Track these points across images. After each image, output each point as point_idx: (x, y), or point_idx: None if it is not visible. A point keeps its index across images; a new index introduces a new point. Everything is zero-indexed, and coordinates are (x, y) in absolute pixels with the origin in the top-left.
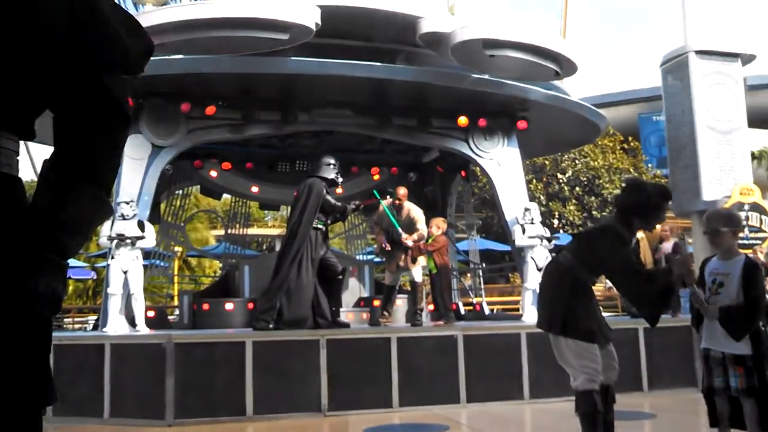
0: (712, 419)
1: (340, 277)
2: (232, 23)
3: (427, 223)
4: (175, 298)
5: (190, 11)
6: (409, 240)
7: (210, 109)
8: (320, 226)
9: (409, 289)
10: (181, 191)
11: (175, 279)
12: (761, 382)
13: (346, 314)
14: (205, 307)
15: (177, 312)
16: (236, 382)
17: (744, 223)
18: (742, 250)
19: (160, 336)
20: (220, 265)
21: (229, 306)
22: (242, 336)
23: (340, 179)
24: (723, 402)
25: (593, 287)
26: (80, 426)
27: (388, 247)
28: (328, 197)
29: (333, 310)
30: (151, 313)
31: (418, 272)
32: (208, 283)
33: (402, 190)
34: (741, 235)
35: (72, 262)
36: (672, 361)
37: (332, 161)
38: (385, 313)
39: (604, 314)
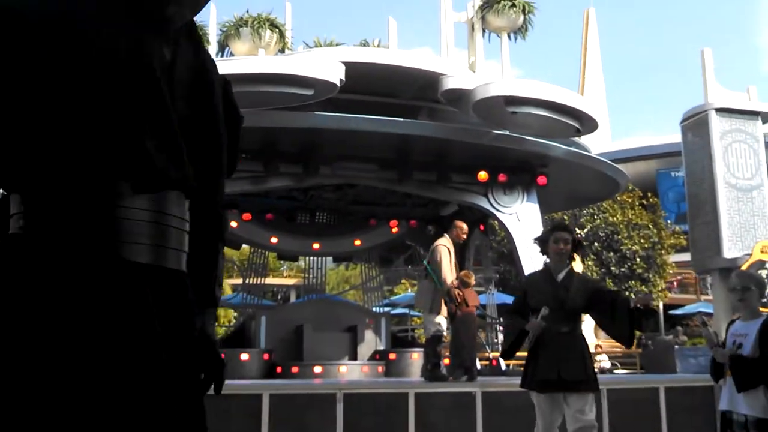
0: None
1: None
2: (259, 79)
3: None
4: None
5: (221, 67)
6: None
7: None
8: None
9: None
10: None
11: None
12: None
13: (361, 367)
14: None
15: None
16: None
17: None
18: (762, 309)
19: None
20: (234, 314)
21: (244, 356)
22: (259, 388)
23: None
24: None
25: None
26: None
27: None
28: None
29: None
30: None
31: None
32: (221, 333)
33: (465, 226)
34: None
35: None
36: (694, 421)
37: None
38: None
39: (620, 371)
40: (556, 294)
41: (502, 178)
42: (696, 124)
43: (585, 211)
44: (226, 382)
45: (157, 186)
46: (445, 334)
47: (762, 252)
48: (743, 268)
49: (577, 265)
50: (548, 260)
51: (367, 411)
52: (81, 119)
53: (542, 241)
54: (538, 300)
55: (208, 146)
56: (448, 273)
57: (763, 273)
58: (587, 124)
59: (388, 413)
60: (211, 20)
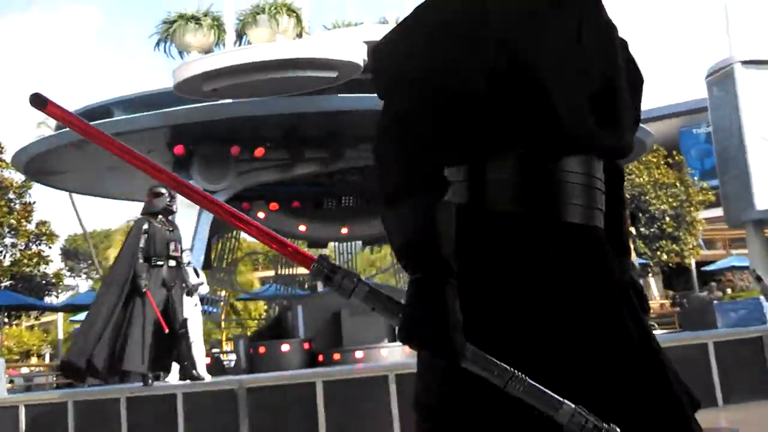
0: None
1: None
2: (282, 65)
3: None
4: (223, 344)
5: (239, 56)
6: None
7: (259, 151)
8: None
9: None
10: (228, 234)
11: (222, 324)
12: None
13: (402, 348)
14: (262, 350)
15: (230, 357)
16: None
17: None
18: None
19: (231, 382)
20: (265, 308)
21: (285, 347)
22: (311, 377)
23: (175, 207)
24: None
25: None
26: None
27: None
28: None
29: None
30: (207, 360)
31: None
32: (254, 326)
33: None
34: None
35: None
36: (746, 373)
37: (160, 190)
38: None
39: (658, 331)
40: None
41: None
42: (722, 77)
43: None
44: (274, 374)
45: (591, 150)
46: None
47: None
48: None
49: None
50: None
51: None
52: (536, 94)
53: None
54: None
55: (616, 105)
56: None
57: None
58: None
59: None
60: (226, 9)
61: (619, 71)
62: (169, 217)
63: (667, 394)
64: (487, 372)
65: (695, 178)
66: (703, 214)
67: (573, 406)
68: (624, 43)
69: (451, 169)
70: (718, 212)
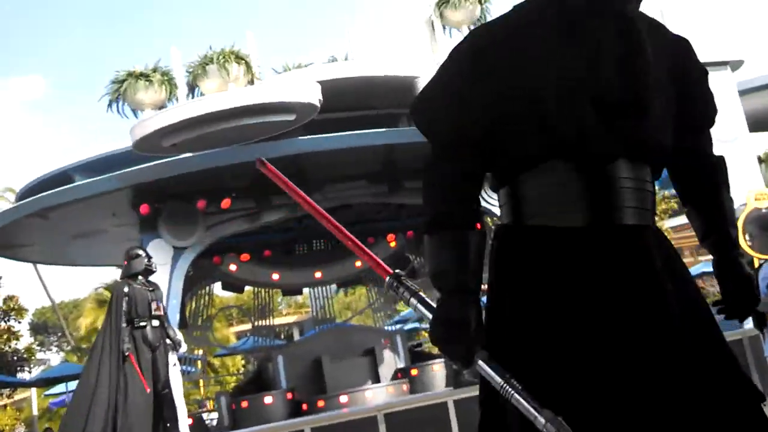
0: None
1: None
2: (237, 113)
3: None
4: (209, 403)
5: (193, 108)
6: None
7: (225, 203)
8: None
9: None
10: (201, 291)
11: (201, 383)
12: None
13: (386, 389)
14: (244, 404)
15: (213, 415)
16: None
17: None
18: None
19: None
20: (243, 362)
21: (268, 399)
22: (299, 425)
23: (155, 267)
24: None
25: None
26: None
27: None
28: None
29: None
30: (189, 421)
31: None
32: (233, 382)
33: None
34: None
35: None
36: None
37: (137, 252)
38: None
39: None
40: None
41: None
42: None
43: None
44: (256, 428)
45: (644, 157)
46: None
47: (756, 200)
48: (741, 218)
49: None
50: None
51: (410, 426)
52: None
53: None
54: None
55: (641, 114)
56: None
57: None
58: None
59: (432, 423)
60: (174, 63)
61: (644, 85)
62: (149, 278)
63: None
64: (489, 378)
65: (657, 187)
66: (669, 222)
67: (552, 415)
68: (675, 43)
69: (498, 193)
70: (683, 220)
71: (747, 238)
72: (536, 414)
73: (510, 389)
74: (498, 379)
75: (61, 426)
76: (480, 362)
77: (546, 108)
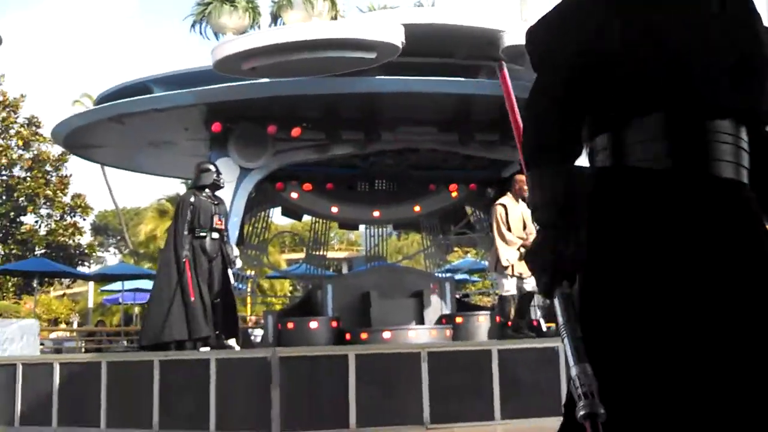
0: None
1: None
2: (320, 45)
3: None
4: (248, 320)
5: (277, 35)
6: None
7: (296, 131)
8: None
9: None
10: (261, 213)
11: (248, 301)
12: None
13: (429, 332)
14: (290, 326)
15: (257, 332)
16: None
17: None
18: None
19: (266, 350)
20: (290, 288)
21: (313, 324)
22: (345, 350)
23: (222, 183)
24: None
25: None
26: None
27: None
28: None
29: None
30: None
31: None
32: (278, 304)
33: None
34: None
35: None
36: None
37: (208, 166)
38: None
39: None
40: None
41: None
42: None
43: None
44: (302, 348)
45: (725, 112)
46: (512, 293)
47: None
48: None
49: None
50: None
51: (452, 369)
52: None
53: None
54: None
55: (755, 73)
56: (503, 233)
57: None
58: None
59: (472, 370)
60: None
61: (759, 42)
62: (215, 192)
63: None
64: (556, 312)
65: None
66: None
67: (585, 368)
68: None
69: (595, 140)
70: None
71: None
72: (572, 363)
73: (565, 332)
74: (560, 318)
75: (141, 331)
76: (558, 293)
77: (669, 56)
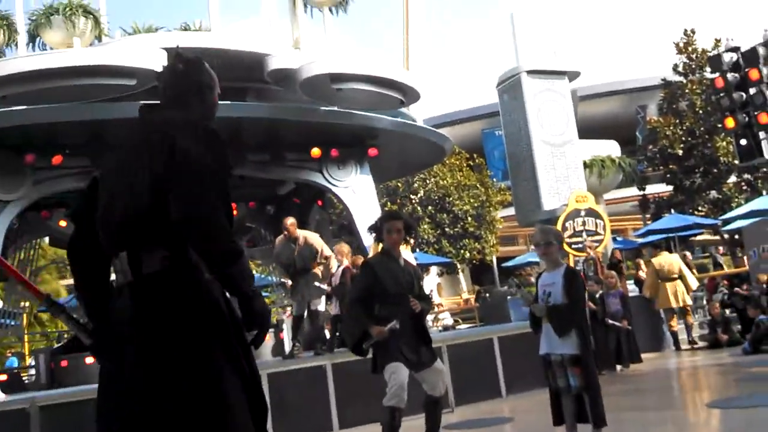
0: (556, 418)
1: None
2: (79, 72)
3: None
4: (26, 358)
5: (34, 62)
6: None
7: (57, 159)
8: None
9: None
10: (28, 244)
11: (26, 338)
12: (590, 378)
13: None
14: (64, 364)
15: (32, 372)
16: None
17: (582, 228)
18: (578, 253)
19: (21, 401)
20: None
21: (90, 360)
22: None
23: None
24: (568, 401)
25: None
26: None
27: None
28: None
29: None
30: (2, 377)
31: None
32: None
33: (290, 220)
34: (578, 239)
35: None
36: (526, 365)
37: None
38: (297, 344)
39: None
40: (404, 277)
41: (334, 153)
42: (510, 86)
43: (417, 177)
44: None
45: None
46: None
47: (577, 201)
48: (561, 218)
49: (406, 250)
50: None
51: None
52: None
53: (377, 230)
54: (390, 284)
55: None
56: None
57: (579, 221)
58: (411, 95)
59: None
60: (17, 8)
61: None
62: None
63: None
64: None
65: (496, 179)
66: (504, 212)
67: None
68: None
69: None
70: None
71: (543, 243)
72: None
73: None
74: None
75: None
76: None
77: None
